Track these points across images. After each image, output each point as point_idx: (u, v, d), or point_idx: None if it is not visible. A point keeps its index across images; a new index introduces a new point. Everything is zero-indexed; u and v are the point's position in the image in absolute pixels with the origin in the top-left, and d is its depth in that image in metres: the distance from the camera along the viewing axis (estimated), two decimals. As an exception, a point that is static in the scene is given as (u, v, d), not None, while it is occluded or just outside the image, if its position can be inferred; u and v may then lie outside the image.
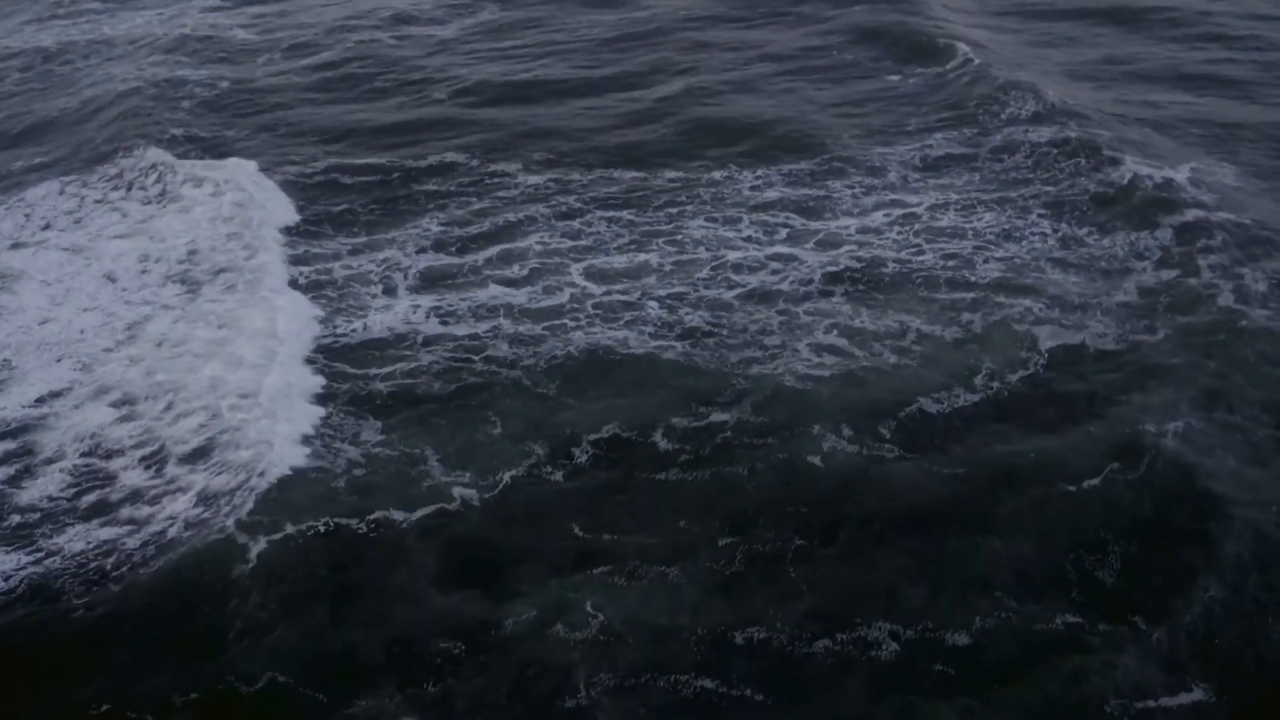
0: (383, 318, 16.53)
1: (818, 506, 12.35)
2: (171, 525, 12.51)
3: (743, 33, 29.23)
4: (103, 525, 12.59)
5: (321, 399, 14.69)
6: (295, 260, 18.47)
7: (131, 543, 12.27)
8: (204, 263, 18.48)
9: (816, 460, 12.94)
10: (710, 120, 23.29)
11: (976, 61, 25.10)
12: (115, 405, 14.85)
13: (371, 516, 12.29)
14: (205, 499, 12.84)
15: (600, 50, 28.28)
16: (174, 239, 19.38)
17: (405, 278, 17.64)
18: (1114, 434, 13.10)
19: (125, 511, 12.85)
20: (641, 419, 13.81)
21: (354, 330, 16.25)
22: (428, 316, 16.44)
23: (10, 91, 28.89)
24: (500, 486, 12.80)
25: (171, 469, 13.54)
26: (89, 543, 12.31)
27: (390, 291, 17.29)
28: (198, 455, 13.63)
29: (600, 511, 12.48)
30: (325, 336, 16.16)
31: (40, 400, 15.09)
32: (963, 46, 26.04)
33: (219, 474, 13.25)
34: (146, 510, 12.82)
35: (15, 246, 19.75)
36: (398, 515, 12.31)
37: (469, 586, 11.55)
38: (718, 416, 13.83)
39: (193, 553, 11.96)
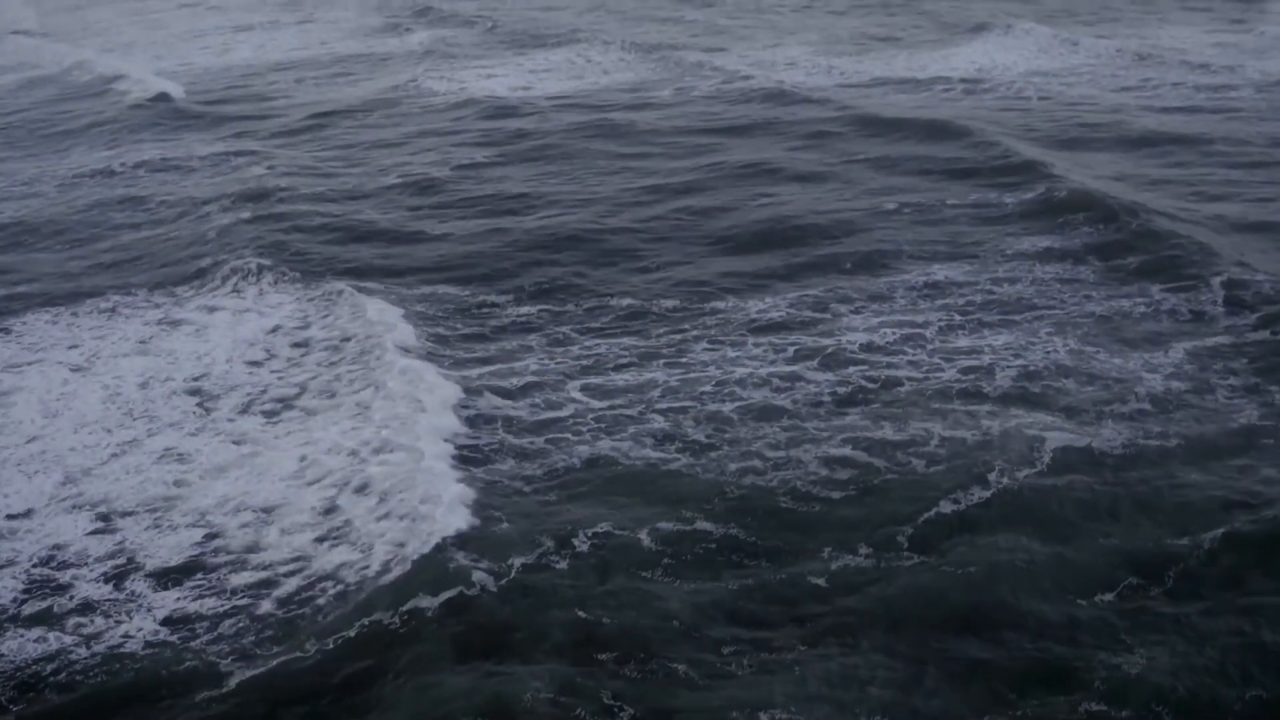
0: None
1: (821, 607, 11.81)
2: (131, 640, 11.95)
3: (775, 159, 29.33)
4: (49, 631, 11.98)
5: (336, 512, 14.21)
6: (305, 378, 18.21)
7: (81, 651, 11.63)
8: (218, 382, 18.22)
9: (822, 566, 12.41)
10: (731, 238, 23.34)
11: (1017, 176, 25.32)
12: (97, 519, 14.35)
13: (404, 607, 11.94)
14: (176, 615, 12.32)
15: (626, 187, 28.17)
16: (185, 360, 19.18)
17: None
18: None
19: (73, 620, 12.22)
20: (643, 521, 13.45)
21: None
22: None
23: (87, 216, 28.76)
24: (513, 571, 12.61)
25: (140, 583, 12.99)
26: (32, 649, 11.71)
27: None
28: (179, 570, 13.15)
29: (603, 601, 12.12)
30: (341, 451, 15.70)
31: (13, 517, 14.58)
32: (1012, 168, 26.19)
33: (198, 587, 12.80)
34: (102, 623, 12.19)
35: (11, 364, 19.65)
36: (425, 603, 12.02)
37: (487, 664, 11.24)
38: (715, 521, 13.39)
39: (161, 664, 11.37)
